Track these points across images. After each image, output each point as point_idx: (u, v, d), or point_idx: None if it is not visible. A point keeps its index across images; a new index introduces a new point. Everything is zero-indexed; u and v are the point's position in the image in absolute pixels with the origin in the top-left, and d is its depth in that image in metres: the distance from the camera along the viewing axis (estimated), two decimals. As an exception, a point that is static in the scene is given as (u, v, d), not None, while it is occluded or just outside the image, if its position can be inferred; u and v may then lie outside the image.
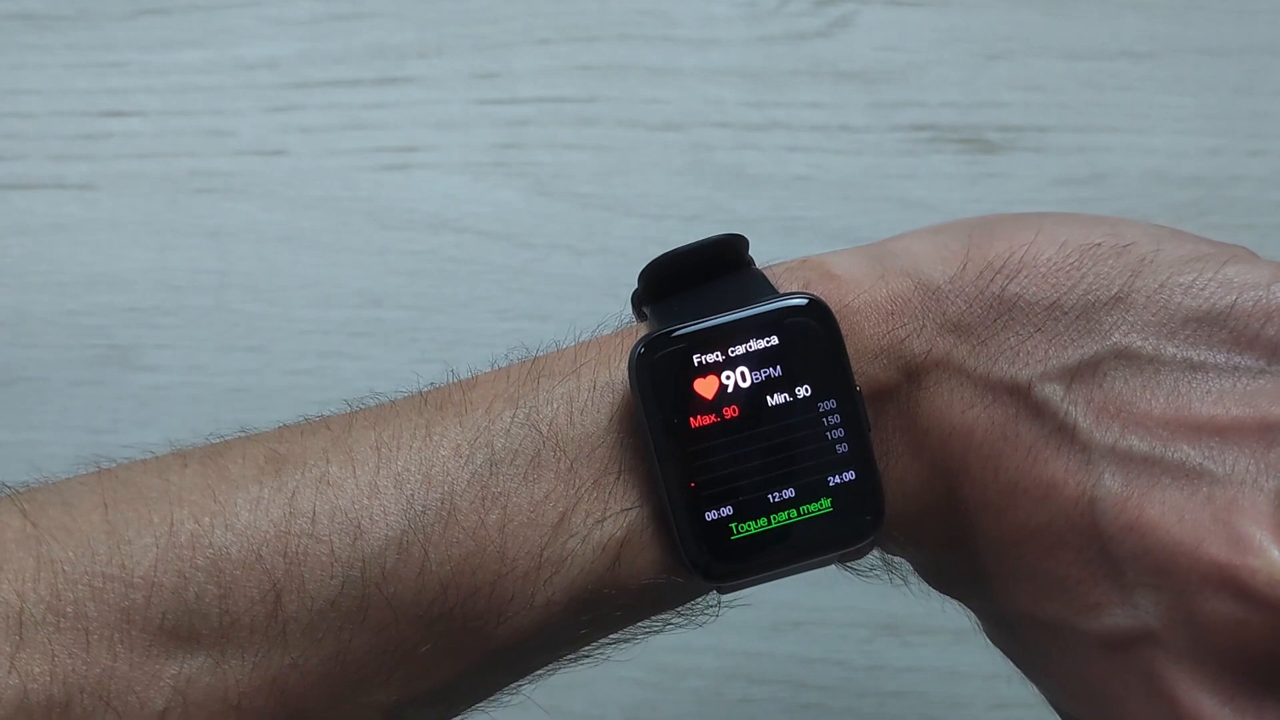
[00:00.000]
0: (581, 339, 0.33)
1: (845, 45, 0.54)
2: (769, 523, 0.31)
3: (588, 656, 0.34)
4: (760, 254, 0.56)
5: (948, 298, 0.31)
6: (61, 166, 0.55)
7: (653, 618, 0.33)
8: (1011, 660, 0.34)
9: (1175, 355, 0.30)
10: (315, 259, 0.55)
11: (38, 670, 0.28)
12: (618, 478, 0.31)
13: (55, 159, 0.55)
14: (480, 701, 0.33)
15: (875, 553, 0.34)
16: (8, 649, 0.28)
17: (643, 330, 0.33)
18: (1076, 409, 0.30)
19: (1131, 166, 0.54)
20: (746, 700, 0.54)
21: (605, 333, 0.33)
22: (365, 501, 0.30)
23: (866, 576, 0.35)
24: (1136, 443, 0.30)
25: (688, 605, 0.34)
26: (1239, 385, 0.30)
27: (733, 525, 0.31)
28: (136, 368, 0.55)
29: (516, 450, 0.31)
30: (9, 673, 0.28)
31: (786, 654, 0.54)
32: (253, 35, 0.55)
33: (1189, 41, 0.54)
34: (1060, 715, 0.33)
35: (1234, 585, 0.28)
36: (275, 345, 0.55)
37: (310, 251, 0.55)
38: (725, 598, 0.33)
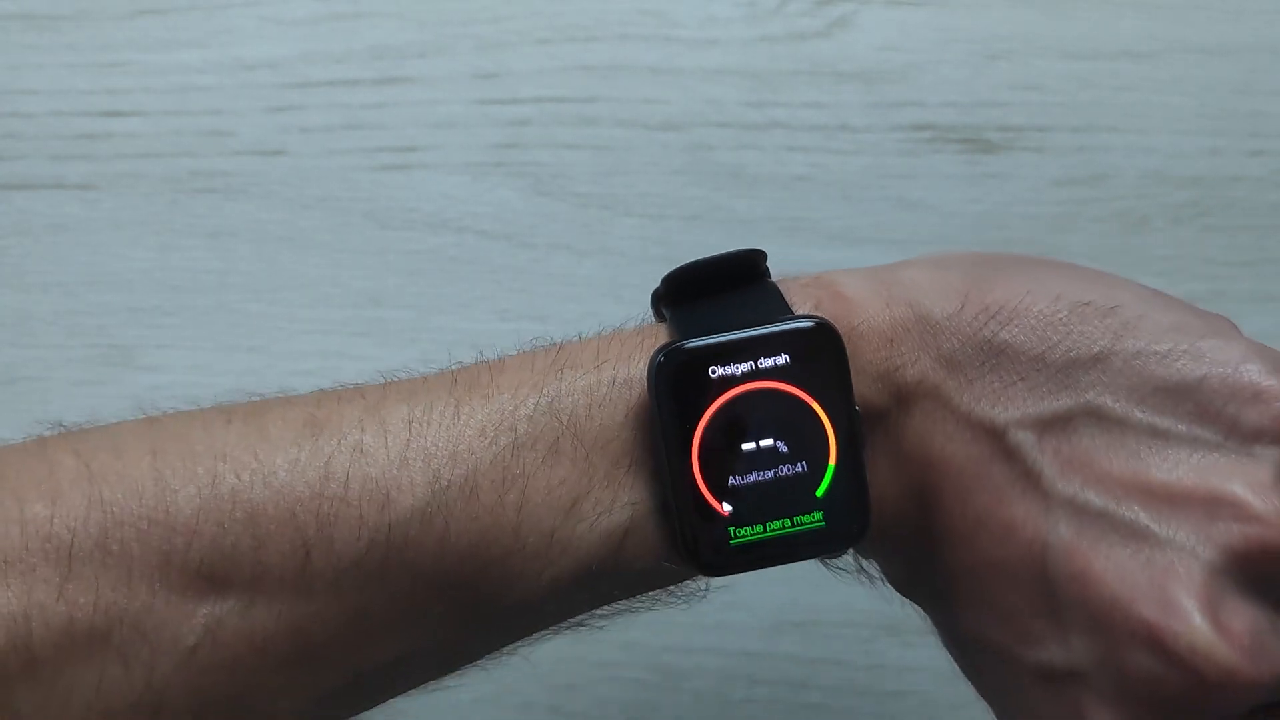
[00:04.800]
0: (603, 332, 0.35)
1: (845, 45, 0.54)
2: (764, 530, 0.33)
3: (584, 625, 0.36)
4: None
5: (944, 333, 0.33)
6: (61, 166, 0.55)
7: (645, 595, 0.36)
8: (960, 669, 0.36)
9: (1141, 420, 0.32)
10: (315, 259, 0.55)
11: (83, 600, 0.30)
12: (628, 470, 0.33)
13: (55, 159, 0.55)
14: (476, 661, 0.35)
15: (850, 555, 0.36)
16: (57, 579, 0.30)
17: (661, 333, 0.34)
18: (1044, 458, 0.32)
19: (1131, 166, 0.54)
20: (748, 700, 0.54)
21: (627, 329, 0.35)
22: (395, 472, 0.32)
23: (839, 573, 0.37)
24: (1093, 497, 0.32)
25: (679, 585, 0.36)
26: (1195, 457, 0.32)
27: (731, 530, 0.33)
28: (137, 368, 0.55)
29: (538, 436, 0.32)
30: (57, 600, 0.30)
31: (787, 654, 0.54)
32: (253, 35, 0.55)
33: (1189, 41, 0.54)
34: None
35: (1157, 645, 0.30)
36: (276, 345, 0.55)
37: (310, 251, 0.55)
38: (715, 582, 0.35)
